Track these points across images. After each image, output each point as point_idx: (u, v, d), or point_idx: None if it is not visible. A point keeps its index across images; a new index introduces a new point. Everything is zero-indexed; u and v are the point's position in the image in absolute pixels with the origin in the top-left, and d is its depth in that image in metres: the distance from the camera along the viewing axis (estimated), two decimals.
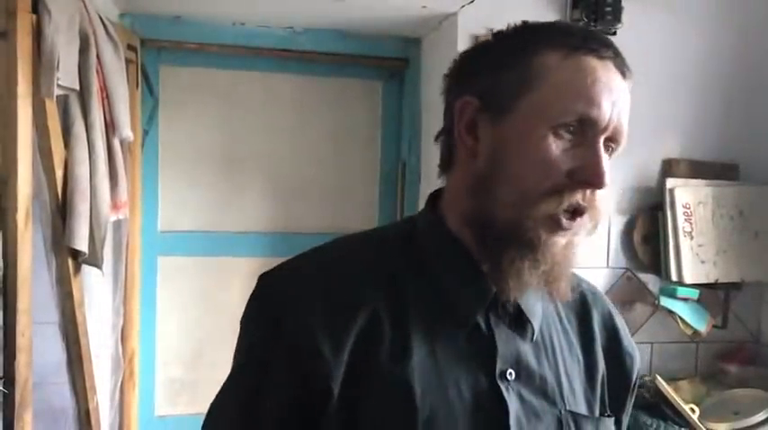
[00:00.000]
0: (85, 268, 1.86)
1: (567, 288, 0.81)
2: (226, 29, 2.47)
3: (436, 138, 0.87)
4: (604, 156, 0.78)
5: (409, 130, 2.66)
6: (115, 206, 1.88)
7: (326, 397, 0.76)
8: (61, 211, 1.66)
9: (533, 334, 0.84)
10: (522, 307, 0.83)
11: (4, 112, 1.43)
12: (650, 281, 2.43)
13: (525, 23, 0.85)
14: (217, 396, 0.85)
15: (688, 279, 2.31)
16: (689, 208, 2.34)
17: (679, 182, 2.36)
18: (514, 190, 0.77)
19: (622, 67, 0.81)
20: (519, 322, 0.83)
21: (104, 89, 1.78)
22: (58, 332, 1.85)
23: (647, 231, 2.40)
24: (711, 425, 2.17)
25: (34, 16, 1.47)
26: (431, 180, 2.52)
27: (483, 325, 0.81)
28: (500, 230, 0.78)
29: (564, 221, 0.76)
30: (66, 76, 1.54)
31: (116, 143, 1.85)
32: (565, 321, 0.90)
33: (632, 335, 2.32)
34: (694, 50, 2.43)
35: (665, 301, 2.30)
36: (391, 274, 0.81)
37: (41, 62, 1.47)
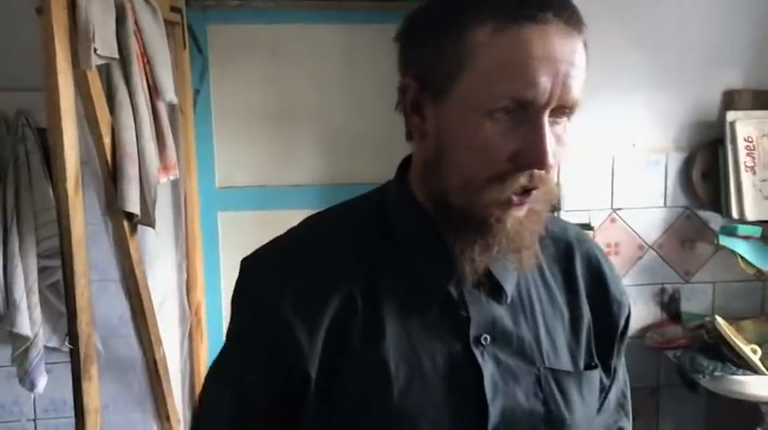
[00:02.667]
0: (142, 227, 1.96)
1: (529, 258, 0.80)
2: None
3: (395, 109, 0.83)
4: (550, 131, 0.73)
5: None
6: (164, 168, 1.95)
7: (306, 382, 0.79)
8: (112, 176, 1.73)
9: (507, 297, 0.84)
10: (494, 272, 0.82)
11: (47, 86, 1.49)
12: (711, 219, 2.35)
13: None
14: (209, 375, 0.88)
15: (750, 216, 2.23)
16: (751, 141, 2.24)
17: (740, 114, 2.26)
18: (459, 177, 0.76)
19: (568, 24, 0.73)
20: (492, 287, 0.83)
21: (145, 55, 1.82)
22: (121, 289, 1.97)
23: (707, 168, 2.31)
24: None
25: None
26: None
27: (455, 295, 0.81)
28: (453, 213, 0.77)
29: (515, 199, 0.75)
30: (103, 45, 1.59)
31: (161, 107, 1.91)
32: (548, 275, 0.89)
33: (693, 275, 2.30)
34: None
35: (725, 240, 2.22)
36: (364, 253, 0.82)
37: (78, 34, 1.52)
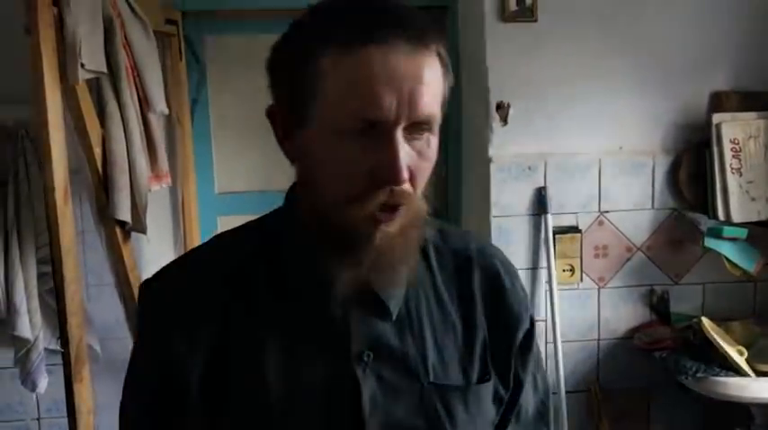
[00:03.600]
0: (137, 233, 2.03)
1: (408, 273, 0.83)
2: None
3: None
4: (405, 147, 0.76)
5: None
6: (156, 176, 2.02)
7: (185, 395, 0.83)
8: (104, 186, 1.81)
9: (392, 314, 0.85)
10: (377, 289, 0.83)
11: (35, 101, 1.56)
12: (699, 221, 2.36)
13: (313, 8, 0.81)
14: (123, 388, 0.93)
15: (736, 218, 2.25)
16: (737, 143, 2.26)
17: (726, 116, 2.27)
18: (327, 196, 0.79)
19: (411, 42, 0.74)
20: (377, 303, 0.84)
21: (135, 68, 1.89)
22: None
23: (694, 170, 2.33)
24: (763, 366, 2.13)
25: (55, 9, 1.58)
26: (470, 137, 2.53)
27: (338, 312, 0.83)
28: (330, 231, 0.79)
29: (379, 215, 0.77)
30: (91, 60, 1.66)
31: (152, 117, 1.98)
32: (442, 290, 0.90)
33: (683, 276, 2.31)
34: None
35: (710, 242, 2.24)
36: (250, 273, 0.85)
37: (65, 50, 1.59)
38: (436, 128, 0.79)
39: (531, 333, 0.95)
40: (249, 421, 0.82)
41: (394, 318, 0.85)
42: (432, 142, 0.79)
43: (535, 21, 2.27)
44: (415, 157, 0.77)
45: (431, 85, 0.76)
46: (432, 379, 0.85)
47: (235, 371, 0.83)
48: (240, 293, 0.85)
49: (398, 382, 0.84)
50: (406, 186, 0.77)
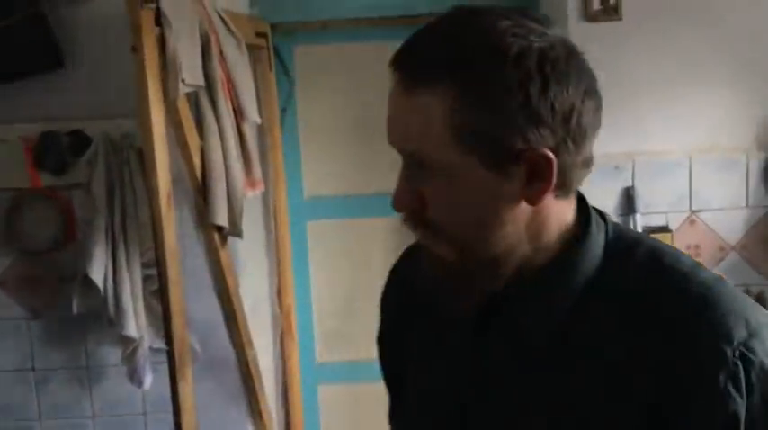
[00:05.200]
0: (232, 238, 2.13)
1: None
2: (346, 4, 2.61)
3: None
4: (404, 177, 0.78)
5: None
6: (251, 183, 2.12)
7: None
8: (202, 193, 1.91)
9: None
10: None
11: (140, 115, 1.68)
12: None
13: None
14: None
15: None
16: None
17: None
18: None
19: (405, 75, 0.74)
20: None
21: (229, 81, 2.00)
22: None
23: None
24: None
25: (158, 29, 1.70)
26: None
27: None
28: None
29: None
30: (190, 75, 1.77)
31: (246, 127, 2.08)
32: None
33: None
34: None
35: None
36: None
37: (167, 68, 1.70)
38: (431, 164, 0.75)
39: None
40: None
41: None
42: (428, 178, 0.76)
43: (620, 19, 2.24)
44: (415, 196, 0.78)
45: (409, 119, 0.75)
46: None
47: None
48: None
49: None
50: (405, 217, 0.80)
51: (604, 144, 2.46)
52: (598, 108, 0.77)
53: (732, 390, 0.70)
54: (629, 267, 0.79)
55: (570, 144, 0.73)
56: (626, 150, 2.30)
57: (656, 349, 0.72)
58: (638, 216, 2.28)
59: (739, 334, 0.71)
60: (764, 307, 2.45)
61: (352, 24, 2.66)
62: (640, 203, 2.29)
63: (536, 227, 0.78)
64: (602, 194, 2.28)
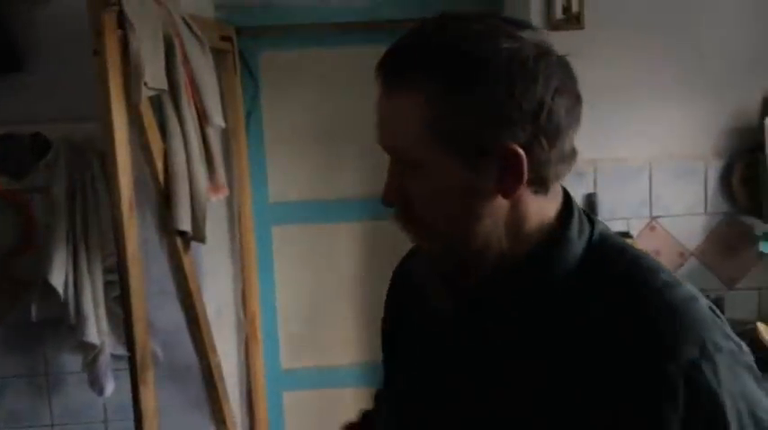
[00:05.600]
0: (196, 243, 2.11)
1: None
2: (312, 10, 2.61)
3: None
4: (393, 173, 0.83)
5: None
6: (215, 188, 2.10)
7: None
8: (165, 197, 1.89)
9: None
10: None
11: (102, 119, 1.66)
12: (754, 225, 2.34)
13: None
14: None
15: None
16: None
17: None
18: None
19: (385, 81, 0.81)
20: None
21: (193, 84, 1.98)
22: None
23: (747, 174, 2.31)
24: None
25: (120, 32, 1.68)
26: None
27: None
28: None
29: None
30: (153, 79, 1.75)
31: (210, 131, 2.06)
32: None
33: (738, 281, 2.29)
34: None
35: (765, 247, 2.22)
36: None
37: (130, 71, 1.68)
38: (412, 161, 0.80)
39: None
40: None
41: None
42: (411, 174, 0.81)
43: (582, 28, 2.28)
44: (401, 192, 0.83)
45: (392, 118, 0.81)
46: None
47: None
48: None
49: None
50: (395, 213, 0.85)
51: None
52: (574, 106, 0.79)
53: (666, 406, 0.71)
54: (606, 272, 0.81)
55: (543, 140, 0.76)
56: (588, 157, 2.33)
57: (610, 353, 0.75)
58: None
59: (689, 353, 0.72)
60: (721, 312, 2.47)
61: (318, 30, 2.66)
62: (602, 209, 2.33)
63: (514, 221, 0.81)
64: None
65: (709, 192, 2.36)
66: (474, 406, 0.84)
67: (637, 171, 2.36)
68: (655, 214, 2.37)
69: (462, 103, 0.76)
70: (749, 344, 2.28)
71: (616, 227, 2.36)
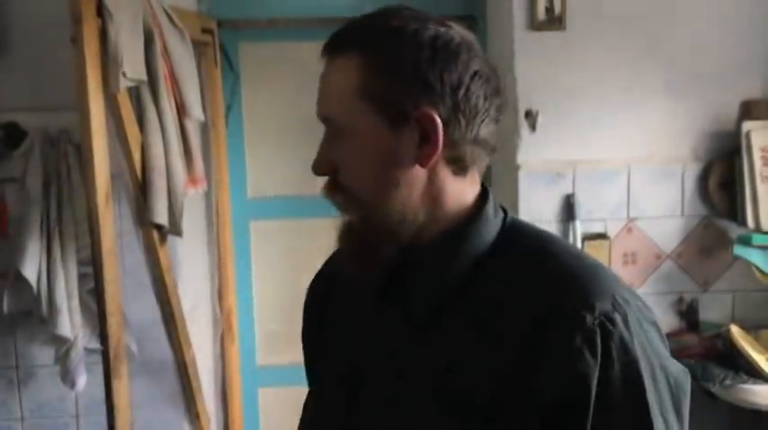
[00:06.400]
0: (173, 236, 2.09)
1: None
2: (294, 3, 2.60)
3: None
4: (324, 143, 0.88)
5: None
6: (192, 181, 2.08)
7: None
8: (142, 190, 1.87)
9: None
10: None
11: (80, 108, 1.63)
12: (729, 228, 2.37)
13: None
14: None
15: (766, 226, 2.24)
16: (767, 151, 2.25)
17: (756, 124, 2.27)
18: None
19: (326, 49, 0.86)
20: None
21: (173, 76, 1.96)
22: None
23: (724, 177, 2.33)
24: None
25: (99, 20, 1.65)
26: (498, 144, 2.55)
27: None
28: None
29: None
30: (132, 69, 1.73)
31: (189, 124, 2.04)
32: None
33: (712, 284, 2.31)
34: None
35: (740, 250, 2.24)
36: None
37: (108, 60, 1.66)
38: (342, 127, 0.85)
39: None
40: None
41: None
42: (340, 142, 0.86)
43: (564, 29, 2.29)
44: (331, 155, 0.87)
45: (328, 87, 0.87)
46: None
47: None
48: None
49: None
50: (324, 184, 0.89)
51: (546, 151, 2.52)
52: (494, 97, 0.84)
53: (586, 353, 0.76)
54: (522, 245, 0.87)
55: (461, 118, 0.82)
56: (567, 158, 2.35)
57: (531, 316, 0.79)
58: (577, 223, 2.33)
59: (603, 306, 0.78)
60: (696, 314, 2.46)
61: (299, 23, 2.64)
62: (580, 211, 2.34)
63: (431, 196, 0.85)
64: (543, 201, 2.32)
65: (687, 195, 2.38)
66: (403, 383, 0.86)
67: (615, 173, 2.37)
68: (632, 216, 2.39)
69: (389, 69, 0.82)
70: (723, 347, 2.29)
71: (594, 228, 2.38)
